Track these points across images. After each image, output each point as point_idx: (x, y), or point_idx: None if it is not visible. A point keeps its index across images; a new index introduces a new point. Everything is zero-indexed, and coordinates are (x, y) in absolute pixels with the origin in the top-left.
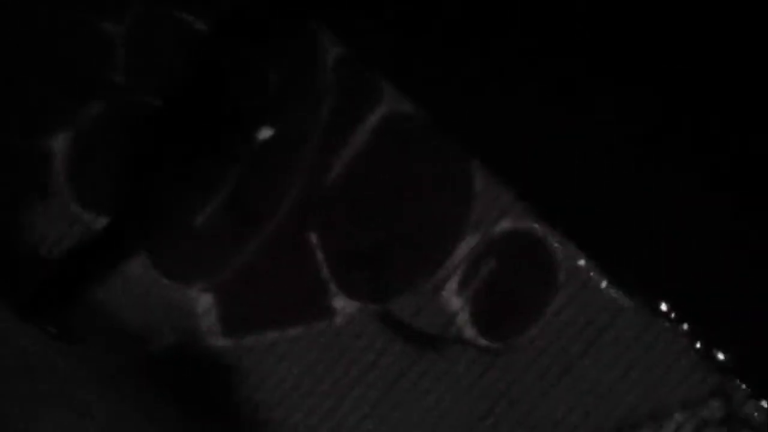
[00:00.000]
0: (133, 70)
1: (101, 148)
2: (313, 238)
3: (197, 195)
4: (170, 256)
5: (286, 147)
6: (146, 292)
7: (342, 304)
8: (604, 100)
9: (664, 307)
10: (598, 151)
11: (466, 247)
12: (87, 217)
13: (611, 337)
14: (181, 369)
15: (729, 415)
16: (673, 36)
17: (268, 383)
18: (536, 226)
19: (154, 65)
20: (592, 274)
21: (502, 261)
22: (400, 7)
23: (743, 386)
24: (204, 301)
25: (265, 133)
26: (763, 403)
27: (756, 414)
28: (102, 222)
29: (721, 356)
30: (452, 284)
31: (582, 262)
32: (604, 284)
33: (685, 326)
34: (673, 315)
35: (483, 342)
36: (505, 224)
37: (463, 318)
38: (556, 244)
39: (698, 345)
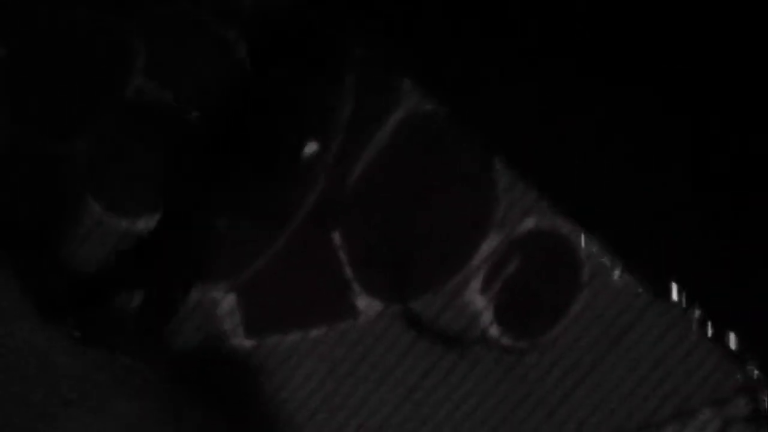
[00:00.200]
0: (156, 74)
1: (132, 152)
2: (336, 238)
3: (234, 211)
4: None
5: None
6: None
7: (365, 303)
8: (629, 100)
9: (689, 306)
10: (623, 150)
11: (489, 246)
12: (117, 222)
13: (635, 336)
14: (204, 369)
15: (755, 413)
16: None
17: (291, 383)
18: (560, 224)
19: (179, 70)
20: (616, 272)
21: (526, 260)
22: (419, 6)
23: None
24: (227, 302)
25: (311, 147)
26: None
27: None
28: (133, 229)
29: (748, 354)
30: (475, 283)
31: (606, 261)
32: (628, 283)
33: (711, 326)
34: (698, 314)
35: (507, 341)
36: (528, 223)
37: (487, 317)
38: (579, 243)
39: (730, 345)
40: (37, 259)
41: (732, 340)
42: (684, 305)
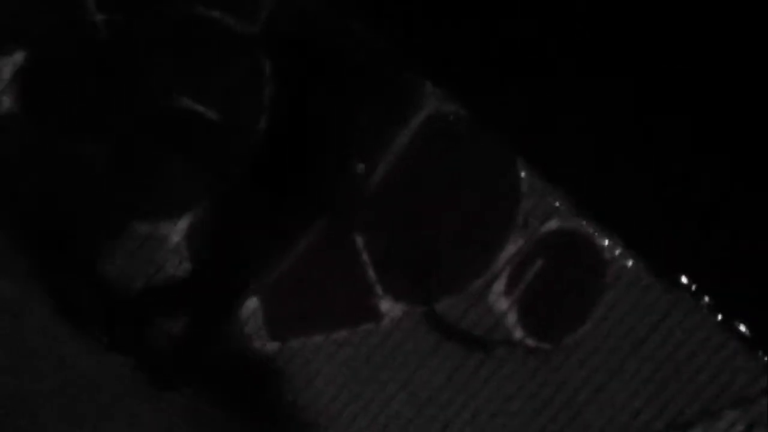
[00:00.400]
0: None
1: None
2: (359, 240)
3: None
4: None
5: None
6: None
7: (388, 306)
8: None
9: (714, 306)
10: (646, 151)
11: (512, 247)
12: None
13: (660, 336)
14: (228, 372)
15: None
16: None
17: (314, 386)
18: (583, 225)
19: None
20: (639, 273)
21: (550, 261)
22: (441, 6)
23: None
24: (250, 304)
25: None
26: None
27: None
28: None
29: None
30: (499, 285)
31: (629, 262)
32: (652, 283)
33: (740, 326)
34: (722, 315)
35: (531, 343)
36: (551, 224)
37: (511, 319)
38: (603, 244)
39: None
40: (73, 271)
41: (756, 341)
42: (710, 308)
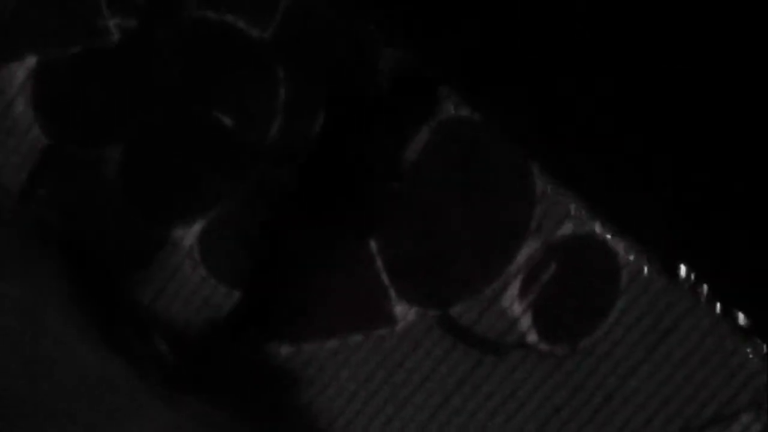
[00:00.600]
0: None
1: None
2: (373, 245)
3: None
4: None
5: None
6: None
7: (402, 310)
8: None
9: (730, 310)
10: (664, 155)
11: (526, 251)
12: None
13: (675, 340)
14: (241, 377)
15: None
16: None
17: (329, 390)
18: (597, 230)
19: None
20: (654, 277)
21: (564, 265)
22: (456, 10)
23: None
24: (263, 308)
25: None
26: None
27: None
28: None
29: None
30: (513, 289)
31: (644, 267)
32: (666, 287)
33: (755, 330)
34: (739, 319)
35: (545, 347)
36: (566, 228)
37: (525, 323)
38: (617, 249)
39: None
40: (87, 274)
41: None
42: (726, 311)
